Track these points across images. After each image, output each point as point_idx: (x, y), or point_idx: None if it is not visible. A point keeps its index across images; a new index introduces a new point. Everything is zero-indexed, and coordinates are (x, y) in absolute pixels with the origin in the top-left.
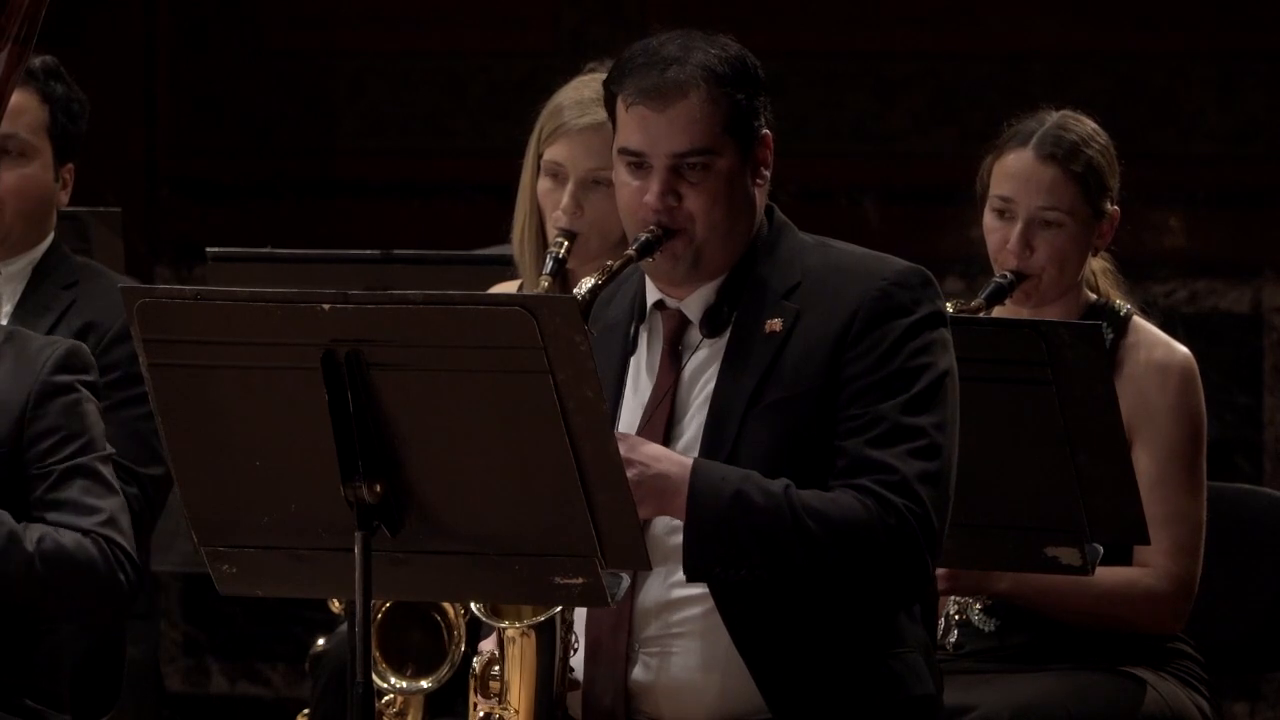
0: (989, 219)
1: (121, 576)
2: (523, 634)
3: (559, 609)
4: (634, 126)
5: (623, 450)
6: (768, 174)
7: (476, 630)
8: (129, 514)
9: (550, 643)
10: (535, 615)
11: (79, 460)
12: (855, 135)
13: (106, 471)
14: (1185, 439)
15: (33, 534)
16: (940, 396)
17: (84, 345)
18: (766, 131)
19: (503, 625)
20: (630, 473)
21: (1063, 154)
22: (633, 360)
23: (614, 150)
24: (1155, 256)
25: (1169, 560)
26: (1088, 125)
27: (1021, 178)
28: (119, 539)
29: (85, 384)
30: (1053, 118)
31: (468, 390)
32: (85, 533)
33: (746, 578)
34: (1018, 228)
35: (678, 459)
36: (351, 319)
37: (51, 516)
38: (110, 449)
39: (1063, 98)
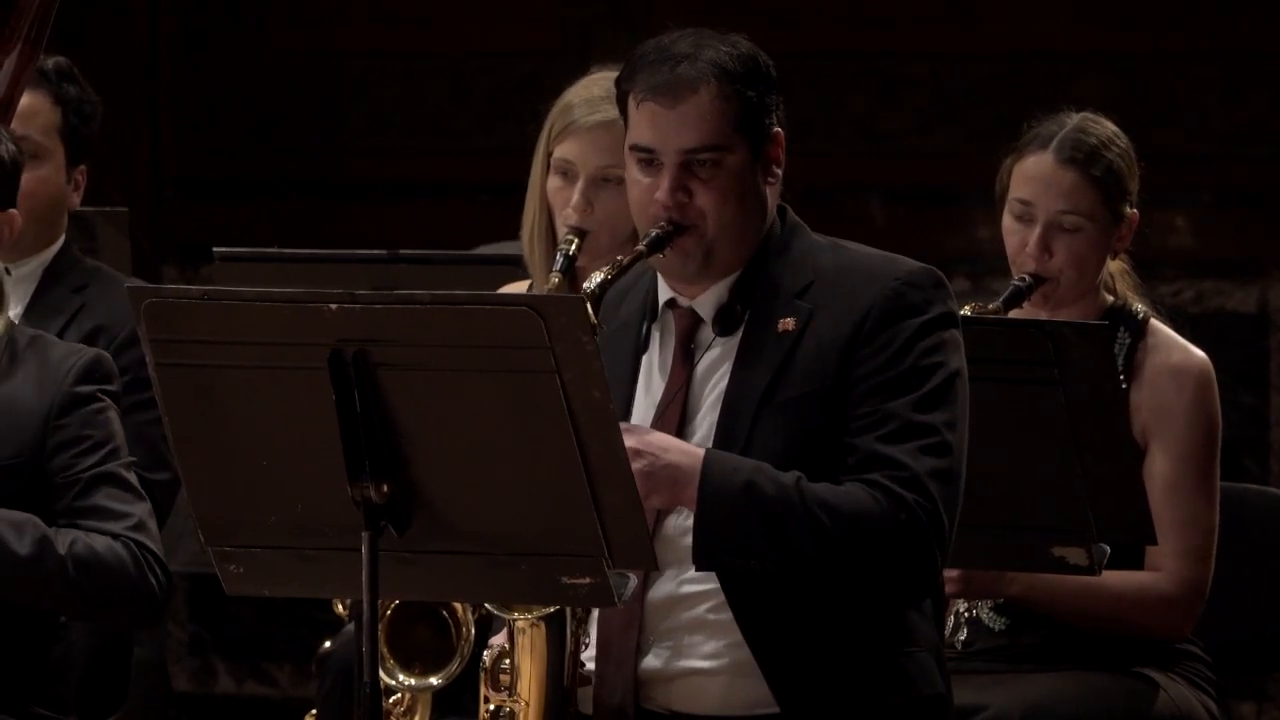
0: (1008, 221)
1: (153, 580)
2: (532, 625)
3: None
4: (645, 123)
5: (632, 441)
6: (779, 172)
7: (485, 628)
8: (156, 519)
9: (560, 634)
10: (545, 607)
11: (105, 467)
12: (858, 135)
13: (132, 478)
14: (1200, 443)
15: (64, 538)
16: (951, 395)
17: (106, 354)
18: (778, 130)
19: (513, 616)
20: (641, 464)
21: (1083, 158)
22: (645, 359)
23: (625, 147)
24: (1161, 257)
25: (1181, 564)
26: (1108, 128)
27: (1041, 181)
28: (149, 543)
29: (107, 393)
30: (1073, 120)
31: (475, 390)
32: (116, 536)
33: (756, 568)
34: (1036, 231)
35: (688, 448)
36: (358, 319)
37: (81, 523)
38: (132, 456)
39: (1065, 98)
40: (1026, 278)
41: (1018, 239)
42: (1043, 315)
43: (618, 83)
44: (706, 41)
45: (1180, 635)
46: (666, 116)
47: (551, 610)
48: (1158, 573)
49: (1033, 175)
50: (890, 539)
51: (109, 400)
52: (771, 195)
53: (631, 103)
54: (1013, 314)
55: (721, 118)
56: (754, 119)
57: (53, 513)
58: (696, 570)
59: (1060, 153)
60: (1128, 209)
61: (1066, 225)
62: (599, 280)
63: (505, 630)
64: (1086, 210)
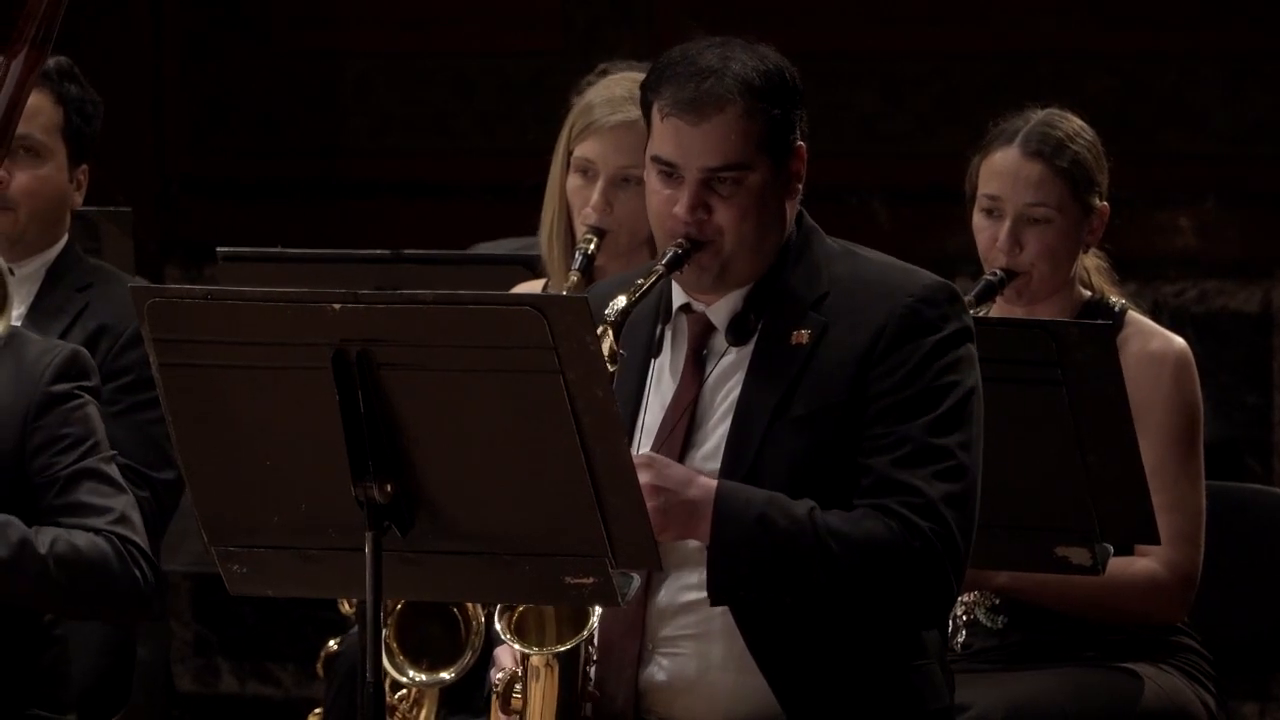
0: (978, 218)
1: (138, 572)
2: (546, 665)
3: (585, 636)
4: (668, 137)
5: (647, 478)
6: (800, 186)
7: (493, 624)
8: (139, 510)
9: (574, 667)
10: (560, 643)
11: (84, 463)
12: (863, 135)
13: (112, 471)
14: (1182, 428)
15: (45, 537)
16: (966, 415)
17: (83, 350)
18: (801, 144)
19: (529, 651)
20: (657, 501)
21: (1049, 150)
22: (656, 362)
23: (646, 155)
24: (1165, 257)
25: (1170, 548)
26: (1074, 122)
27: (1008, 175)
28: (132, 536)
29: (85, 389)
30: (1038, 115)
31: (478, 390)
32: (98, 532)
33: (772, 600)
34: (1006, 225)
35: (702, 483)
36: (362, 319)
37: (62, 521)
38: (112, 450)
39: (1071, 97)
40: (998, 272)
41: (988, 235)
42: (1018, 311)
43: (643, 87)
44: (734, 55)
45: (1174, 620)
46: (690, 134)
47: (566, 647)
48: (1147, 557)
49: (1000, 170)
50: (905, 568)
51: (86, 396)
52: (791, 208)
53: (656, 113)
54: (992, 312)
55: (745, 137)
56: (778, 136)
57: (36, 512)
58: (712, 606)
59: (1026, 146)
60: (1097, 201)
61: (1035, 217)
62: (620, 306)
63: (507, 648)
64: (1055, 202)
